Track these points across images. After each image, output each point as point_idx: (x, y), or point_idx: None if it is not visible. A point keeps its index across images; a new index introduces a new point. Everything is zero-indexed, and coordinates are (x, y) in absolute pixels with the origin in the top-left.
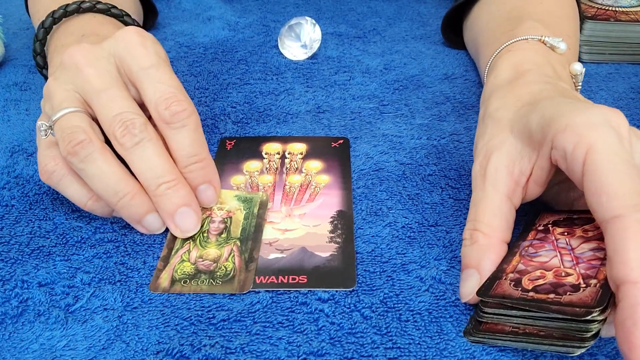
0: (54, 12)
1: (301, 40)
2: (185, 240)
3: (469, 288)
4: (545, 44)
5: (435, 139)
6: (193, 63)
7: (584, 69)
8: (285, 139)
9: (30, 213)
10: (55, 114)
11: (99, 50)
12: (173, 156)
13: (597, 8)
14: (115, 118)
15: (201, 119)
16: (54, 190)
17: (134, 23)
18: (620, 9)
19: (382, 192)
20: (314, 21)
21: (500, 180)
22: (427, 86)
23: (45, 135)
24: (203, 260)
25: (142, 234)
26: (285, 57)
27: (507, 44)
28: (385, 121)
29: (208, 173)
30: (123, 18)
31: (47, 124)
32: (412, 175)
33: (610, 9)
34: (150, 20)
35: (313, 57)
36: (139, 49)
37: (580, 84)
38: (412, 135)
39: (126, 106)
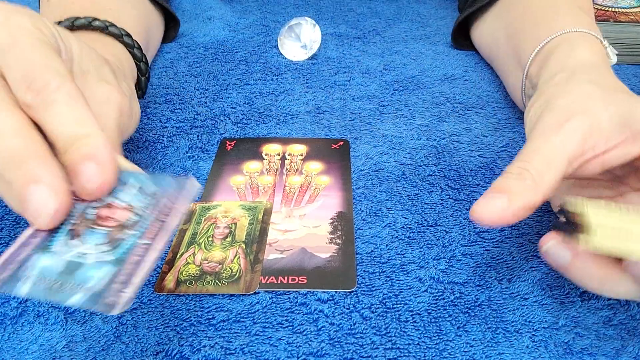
0: (76, 18)
1: (301, 40)
2: (190, 244)
3: (490, 206)
4: (604, 47)
5: (435, 140)
6: (193, 63)
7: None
8: (285, 140)
9: None
10: None
11: None
12: (51, 144)
13: (597, 9)
14: None
15: (201, 120)
16: None
17: (133, 44)
18: (619, 10)
19: (382, 192)
20: (313, 22)
21: (571, 142)
22: (426, 87)
23: None
24: (208, 263)
25: None
26: (285, 58)
27: (564, 32)
28: (385, 122)
29: (90, 148)
30: (122, 38)
31: None
32: (412, 176)
33: (610, 9)
34: (172, 30)
35: (313, 57)
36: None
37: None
38: (411, 135)
39: None
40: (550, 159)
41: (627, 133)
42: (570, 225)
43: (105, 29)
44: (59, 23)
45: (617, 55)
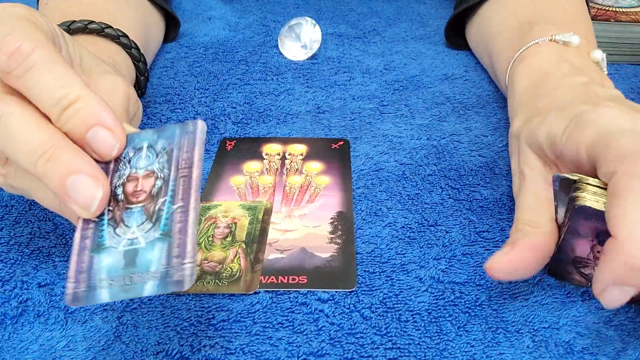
0: (72, 22)
1: (301, 40)
2: None
3: (495, 257)
4: (557, 42)
5: (435, 139)
6: (193, 63)
7: (605, 54)
8: (285, 140)
9: (29, 214)
10: None
11: None
12: (40, 111)
13: (598, 9)
14: None
15: (202, 120)
16: None
17: (131, 44)
18: (620, 10)
19: (382, 192)
20: (314, 21)
21: (539, 190)
22: (427, 86)
23: None
24: (208, 262)
25: None
26: (286, 58)
27: (519, 52)
28: (385, 121)
29: (90, 113)
30: (119, 39)
31: None
32: (412, 176)
33: (610, 9)
34: (173, 31)
35: (313, 57)
36: None
37: (605, 69)
38: (412, 135)
39: None
40: (533, 206)
41: (555, 154)
42: (565, 188)
43: (101, 31)
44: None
45: (617, 54)
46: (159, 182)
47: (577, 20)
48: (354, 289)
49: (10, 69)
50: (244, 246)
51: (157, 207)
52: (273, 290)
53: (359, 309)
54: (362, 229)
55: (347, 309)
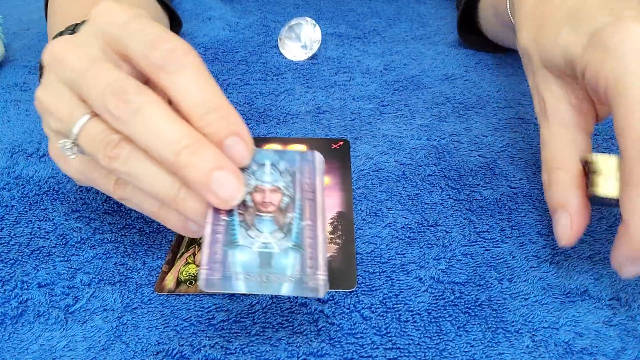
0: (75, 25)
1: (301, 40)
2: (190, 244)
3: (563, 228)
4: None
5: (435, 140)
6: None
7: None
8: (285, 140)
9: (30, 214)
10: (73, 127)
11: (77, 37)
12: (181, 112)
13: None
14: (104, 91)
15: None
16: (54, 190)
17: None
18: None
19: (382, 192)
20: (314, 22)
21: (564, 117)
22: (427, 87)
23: (73, 154)
24: None
25: (141, 235)
26: (285, 58)
27: None
28: (385, 122)
29: (231, 122)
30: None
31: (70, 141)
32: (412, 176)
33: None
34: (173, 31)
35: (313, 57)
36: (115, 13)
37: None
38: (412, 135)
39: (115, 76)
40: (563, 142)
41: (566, 76)
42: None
43: None
44: (84, 22)
45: None
46: (285, 199)
47: None
48: (353, 289)
49: (166, 66)
50: None
51: (287, 220)
52: None
53: (359, 309)
54: (362, 229)
55: (347, 309)
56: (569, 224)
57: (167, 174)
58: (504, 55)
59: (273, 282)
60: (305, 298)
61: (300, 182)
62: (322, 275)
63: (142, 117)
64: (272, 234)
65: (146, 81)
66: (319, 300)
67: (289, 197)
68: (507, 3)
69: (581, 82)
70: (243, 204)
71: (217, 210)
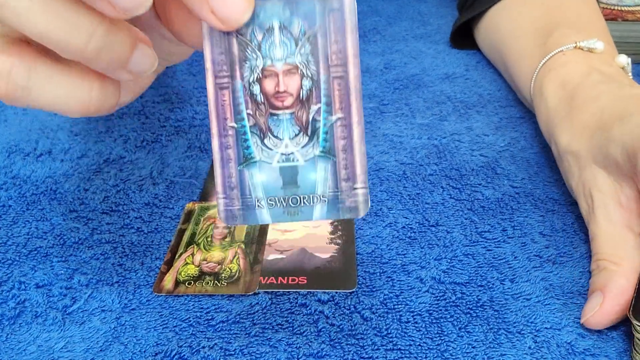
0: None
1: None
2: (188, 244)
3: (589, 308)
4: (582, 49)
5: (436, 139)
6: (192, 62)
7: (630, 58)
8: None
9: (27, 214)
10: None
11: None
12: None
13: (603, 8)
14: None
15: (200, 119)
16: (51, 190)
17: None
18: (626, 9)
19: (383, 192)
20: None
21: (612, 214)
22: (427, 85)
23: None
24: (207, 263)
25: (139, 235)
26: None
27: (543, 61)
28: (386, 121)
29: None
30: None
31: None
32: (413, 175)
33: (615, 8)
34: None
35: None
36: None
37: (630, 73)
38: (412, 135)
39: None
40: (612, 239)
41: (624, 174)
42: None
43: None
44: None
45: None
46: (306, 83)
47: (593, 23)
48: (354, 290)
49: None
50: (243, 247)
51: (310, 117)
52: (272, 291)
53: (359, 310)
54: (362, 229)
55: (348, 310)
56: (596, 306)
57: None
58: None
59: (303, 207)
60: (287, 297)
61: (324, 50)
62: (361, 189)
63: None
64: (294, 140)
65: None
66: (319, 300)
67: (311, 79)
68: (532, 87)
69: (635, 176)
70: (252, 99)
71: (221, 116)
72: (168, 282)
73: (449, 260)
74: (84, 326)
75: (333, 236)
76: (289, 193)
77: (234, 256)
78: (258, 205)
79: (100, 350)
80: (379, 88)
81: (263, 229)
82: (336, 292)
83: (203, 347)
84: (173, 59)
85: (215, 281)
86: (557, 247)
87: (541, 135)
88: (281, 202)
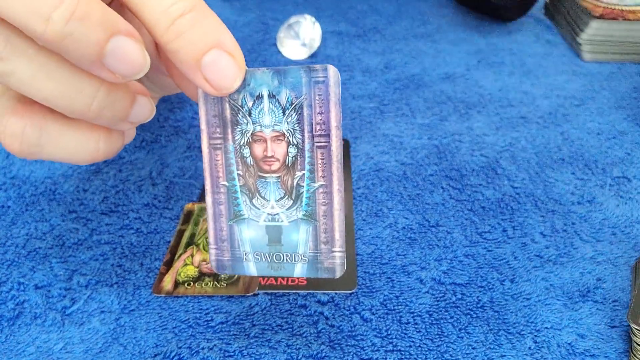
0: None
1: (300, 38)
2: (188, 245)
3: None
4: None
5: (437, 139)
6: None
7: None
8: None
9: (26, 214)
10: None
11: None
12: (144, 23)
13: (604, 7)
14: None
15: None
16: (50, 191)
17: None
18: (626, 8)
19: (383, 192)
20: (313, 19)
21: None
22: (428, 85)
23: None
24: (207, 264)
25: (139, 236)
26: (285, 56)
27: None
28: (386, 121)
29: (208, 29)
30: None
31: None
32: (413, 176)
33: (616, 8)
34: None
35: (313, 55)
36: None
37: None
38: (413, 135)
39: None
40: None
41: None
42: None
43: None
44: None
45: (621, 53)
46: (292, 150)
47: None
48: (354, 291)
49: None
50: None
51: (295, 182)
52: (272, 292)
53: (359, 311)
54: (362, 229)
55: (347, 311)
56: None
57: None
58: (506, 54)
59: (285, 263)
60: (287, 298)
61: (309, 119)
62: (339, 253)
63: None
64: (280, 202)
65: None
66: (318, 301)
67: (296, 147)
68: None
69: None
70: (243, 161)
71: (214, 174)
72: (167, 283)
73: (449, 261)
74: (83, 327)
75: None
76: (274, 250)
77: None
78: (245, 258)
79: (100, 352)
80: (379, 88)
81: None
82: (336, 293)
83: (202, 349)
84: (171, 91)
85: (215, 282)
86: (558, 248)
87: (542, 136)
88: (266, 257)
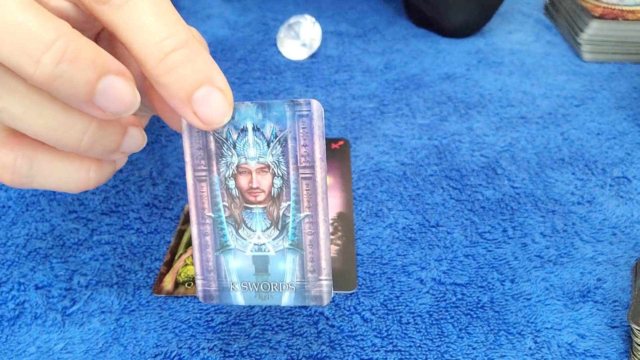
0: None
1: (301, 39)
2: (188, 245)
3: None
4: None
5: (437, 139)
6: None
7: None
8: None
9: (27, 215)
10: None
11: None
12: (135, 55)
13: (604, 7)
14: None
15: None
16: (50, 191)
17: None
18: (626, 8)
19: (383, 192)
20: (313, 19)
21: None
22: (428, 85)
23: None
24: None
25: (139, 236)
26: (285, 56)
27: None
28: (386, 121)
29: (200, 65)
30: None
31: None
32: (413, 176)
33: (616, 8)
34: None
35: (313, 56)
36: None
37: None
38: (413, 135)
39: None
40: None
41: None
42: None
43: None
44: None
45: (621, 53)
46: (277, 181)
47: None
48: (354, 291)
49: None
50: None
51: (281, 212)
52: None
53: (360, 311)
54: (362, 229)
55: (348, 311)
56: None
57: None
58: (506, 54)
59: (272, 292)
60: None
61: (294, 152)
62: (325, 281)
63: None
64: (266, 233)
65: (98, 33)
66: None
67: (281, 179)
68: None
69: None
70: (228, 192)
71: (199, 206)
72: (167, 283)
73: (449, 261)
74: (83, 327)
75: (333, 237)
76: (261, 279)
77: None
78: (232, 288)
79: (100, 352)
80: (379, 88)
81: None
82: (336, 293)
83: (203, 349)
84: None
85: None
86: (558, 248)
87: (542, 136)
88: (253, 286)
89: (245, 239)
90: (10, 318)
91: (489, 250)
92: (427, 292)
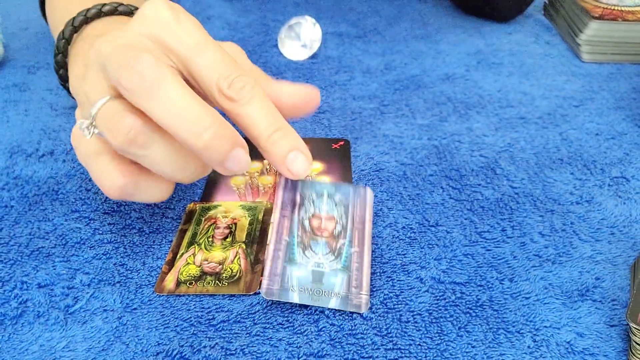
0: (73, 19)
1: (301, 39)
2: (190, 244)
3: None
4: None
5: (436, 139)
6: None
7: None
8: None
9: (29, 214)
10: (93, 107)
11: (126, 35)
12: (250, 134)
13: (604, 8)
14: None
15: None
16: (53, 191)
17: None
18: (626, 9)
19: (383, 192)
20: (314, 20)
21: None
22: (427, 86)
23: (89, 133)
24: (208, 263)
25: (141, 235)
26: (285, 57)
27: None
28: (386, 121)
29: (292, 140)
30: None
31: (88, 121)
32: (413, 176)
33: (616, 8)
34: None
35: (313, 56)
36: (176, 27)
37: None
38: (412, 135)
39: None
40: None
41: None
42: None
43: (130, 13)
44: (86, 12)
45: (620, 54)
46: (338, 227)
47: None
48: None
49: (238, 99)
50: (244, 247)
51: (338, 245)
52: None
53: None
54: None
55: None
56: None
57: (192, 117)
58: (505, 55)
59: (323, 296)
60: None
61: (352, 213)
62: (365, 295)
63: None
64: (325, 256)
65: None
66: None
67: (342, 226)
68: None
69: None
70: (302, 227)
71: (280, 232)
72: (169, 282)
73: (448, 260)
74: (85, 326)
75: None
76: (316, 287)
77: (235, 256)
78: (292, 290)
79: (102, 350)
80: (380, 89)
81: (264, 230)
82: None
83: (204, 347)
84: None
85: (217, 281)
86: (556, 247)
87: (541, 136)
88: (308, 291)
89: (309, 258)
90: (13, 317)
91: (488, 250)
92: (427, 290)
